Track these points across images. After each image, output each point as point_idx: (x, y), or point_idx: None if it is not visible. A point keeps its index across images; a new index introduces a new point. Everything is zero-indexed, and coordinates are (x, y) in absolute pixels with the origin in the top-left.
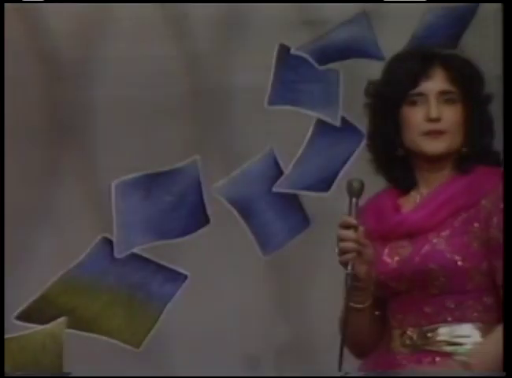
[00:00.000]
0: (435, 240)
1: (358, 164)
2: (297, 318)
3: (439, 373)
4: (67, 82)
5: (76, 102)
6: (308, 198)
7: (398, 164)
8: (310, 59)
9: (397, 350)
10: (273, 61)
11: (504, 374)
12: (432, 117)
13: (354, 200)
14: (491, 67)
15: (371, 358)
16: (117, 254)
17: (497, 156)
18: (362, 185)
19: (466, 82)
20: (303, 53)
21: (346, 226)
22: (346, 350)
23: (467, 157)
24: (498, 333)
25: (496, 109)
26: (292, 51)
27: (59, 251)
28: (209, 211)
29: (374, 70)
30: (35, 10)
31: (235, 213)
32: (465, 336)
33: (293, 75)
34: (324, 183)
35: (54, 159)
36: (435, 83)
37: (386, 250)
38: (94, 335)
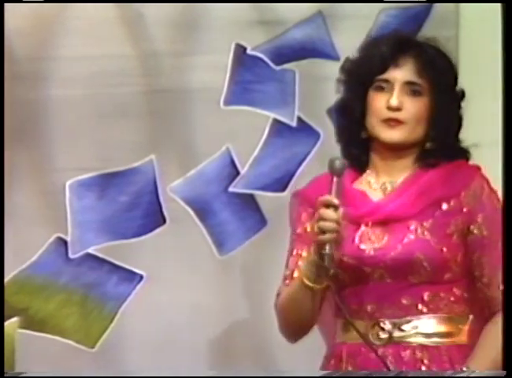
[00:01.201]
0: (418, 230)
1: (315, 164)
2: (253, 318)
3: (440, 374)
4: (21, 81)
5: (30, 101)
6: (264, 198)
7: (359, 145)
8: (266, 59)
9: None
10: (229, 60)
11: (504, 374)
12: (392, 106)
13: (336, 179)
14: None
15: (332, 350)
16: (72, 254)
17: (465, 153)
18: (344, 164)
19: (436, 75)
20: (259, 53)
21: (328, 205)
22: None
23: (431, 152)
24: (491, 333)
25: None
26: (248, 51)
27: (13, 250)
28: (165, 211)
29: (330, 70)
30: None
31: (192, 213)
32: (441, 329)
33: (249, 75)
34: (281, 183)
35: (9, 158)
36: (402, 72)
37: (357, 236)
38: (48, 335)
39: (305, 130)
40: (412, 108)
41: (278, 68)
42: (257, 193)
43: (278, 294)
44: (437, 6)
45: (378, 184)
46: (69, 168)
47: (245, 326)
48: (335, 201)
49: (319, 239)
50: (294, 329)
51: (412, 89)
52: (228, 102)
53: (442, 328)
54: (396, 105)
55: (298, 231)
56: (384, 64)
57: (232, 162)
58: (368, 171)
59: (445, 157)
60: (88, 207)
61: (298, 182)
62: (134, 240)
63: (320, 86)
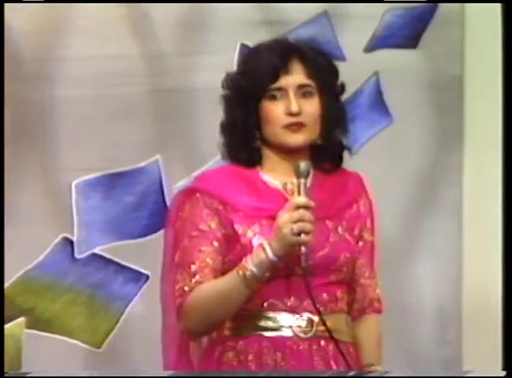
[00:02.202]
0: (338, 230)
1: None
2: None
3: (439, 373)
4: (27, 81)
5: (36, 102)
6: None
7: (253, 153)
8: None
9: (284, 334)
10: (235, 61)
11: (504, 374)
12: (293, 111)
13: (303, 181)
14: (451, 67)
15: (246, 342)
16: (78, 254)
17: (342, 149)
18: (310, 166)
19: (321, 74)
20: None
21: (306, 207)
22: None
23: (321, 148)
24: (375, 333)
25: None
26: None
27: (19, 251)
28: None
29: None
30: None
31: None
32: (347, 326)
33: None
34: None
35: (15, 159)
36: (294, 78)
37: None
38: (55, 336)
39: None
40: (309, 109)
41: None
42: None
43: (188, 290)
44: (442, 6)
45: (279, 183)
46: (75, 169)
47: None
48: (312, 203)
49: (299, 240)
50: (212, 325)
51: (304, 91)
52: None
53: (345, 326)
54: (297, 110)
55: (201, 227)
56: (276, 73)
57: None
58: (264, 170)
59: (334, 155)
60: (94, 207)
61: None
62: (140, 240)
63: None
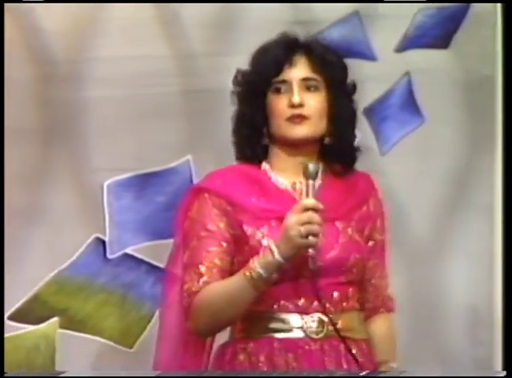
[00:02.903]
0: (348, 231)
1: None
2: None
3: (470, 374)
4: (60, 82)
5: (69, 103)
6: None
7: (260, 150)
8: None
9: (293, 336)
10: None
11: (504, 374)
12: (295, 103)
13: (311, 182)
14: (483, 67)
15: (256, 343)
16: (110, 254)
17: (356, 152)
18: (318, 167)
19: (328, 70)
20: None
21: (314, 209)
22: None
23: (330, 147)
24: (388, 331)
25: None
26: None
27: (52, 251)
28: None
29: (366, 70)
30: (26, 10)
31: None
32: (359, 324)
33: None
34: None
35: (47, 159)
36: (298, 71)
37: None
38: (87, 336)
39: None
40: (313, 103)
41: None
42: None
43: (196, 291)
44: (475, 6)
45: (289, 184)
46: (107, 169)
47: None
48: (320, 205)
49: (307, 243)
50: (221, 325)
51: (309, 85)
52: None
53: (358, 324)
54: (298, 102)
55: (210, 227)
56: (279, 66)
57: None
58: (271, 170)
59: (343, 154)
60: (126, 207)
61: None
62: (171, 240)
63: (357, 86)
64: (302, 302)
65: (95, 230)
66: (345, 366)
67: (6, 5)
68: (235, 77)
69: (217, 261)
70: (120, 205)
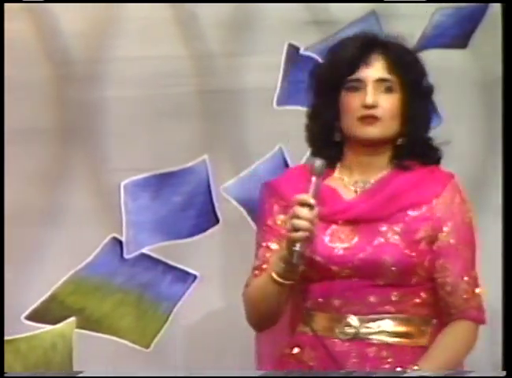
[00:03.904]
0: (388, 233)
1: None
2: None
3: (441, 374)
4: (76, 82)
5: (86, 103)
6: None
7: (332, 147)
8: (320, 59)
9: (330, 335)
10: (282, 61)
11: (504, 374)
12: (368, 104)
13: (315, 179)
14: (500, 67)
15: (293, 341)
16: (127, 254)
17: (436, 153)
18: (324, 164)
19: (405, 71)
20: (312, 53)
21: (304, 204)
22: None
23: (404, 148)
24: (446, 336)
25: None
26: (301, 51)
27: (69, 251)
28: (218, 211)
29: None
30: (43, 10)
31: (245, 213)
32: (405, 329)
33: (302, 76)
34: None
35: (64, 159)
36: (373, 71)
37: (328, 234)
38: (104, 335)
39: None
40: (386, 104)
41: None
42: None
43: (247, 285)
44: (493, 6)
45: (351, 183)
46: (124, 169)
47: None
48: (312, 200)
49: (291, 236)
50: (261, 320)
51: (384, 86)
52: (280, 102)
53: (406, 329)
54: (371, 103)
55: (269, 222)
56: (355, 64)
57: (285, 162)
58: (340, 169)
59: (418, 155)
60: (143, 207)
61: None
62: (188, 240)
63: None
64: (336, 301)
65: (112, 230)
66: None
67: (22, 5)
68: (312, 71)
69: (268, 255)
70: (136, 205)
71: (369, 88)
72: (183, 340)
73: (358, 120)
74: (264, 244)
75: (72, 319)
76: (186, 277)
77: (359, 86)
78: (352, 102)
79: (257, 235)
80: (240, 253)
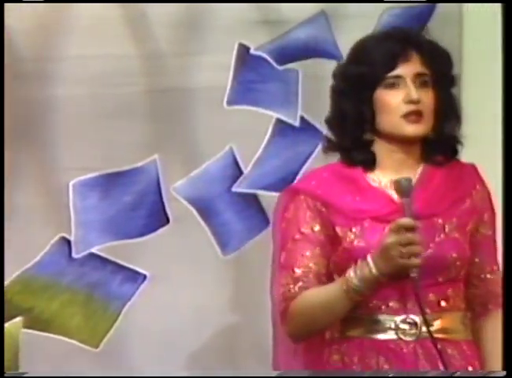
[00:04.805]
0: (446, 228)
1: (318, 164)
2: (256, 318)
3: (440, 374)
4: (23, 80)
5: (34, 101)
6: (268, 198)
7: (365, 146)
8: (270, 59)
9: (390, 337)
10: (232, 60)
11: (504, 374)
12: (414, 99)
13: (406, 200)
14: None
15: (353, 347)
16: (75, 254)
17: (458, 147)
18: (411, 182)
19: (437, 64)
20: (263, 53)
21: (411, 229)
22: None
23: (434, 143)
24: (498, 331)
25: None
26: (251, 51)
27: (17, 250)
28: (168, 211)
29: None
30: None
31: (195, 212)
32: (460, 325)
33: (252, 75)
34: (284, 183)
35: (11, 158)
36: (412, 66)
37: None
38: (53, 335)
39: (308, 130)
40: (426, 99)
41: (281, 67)
42: (261, 193)
43: (291, 297)
44: (440, 6)
45: (386, 182)
46: (72, 168)
47: (248, 325)
48: (417, 224)
49: (409, 264)
50: (316, 331)
51: (421, 80)
52: (231, 102)
53: (460, 325)
54: (417, 98)
55: (304, 230)
56: (394, 60)
57: (236, 162)
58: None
59: (446, 150)
60: (91, 207)
61: None
62: (137, 240)
63: (324, 85)
64: (394, 303)
65: (60, 229)
66: (441, 369)
67: None
68: (336, 71)
69: (311, 265)
70: (85, 205)
71: (410, 83)
72: (133, 340)
73: (401, 118)
74: (302, 253)
75: (19, 319)
76: (136, 277)
77: (398, 82)
78: (393, 99)
79: (287, 242)
80: (190, 253)
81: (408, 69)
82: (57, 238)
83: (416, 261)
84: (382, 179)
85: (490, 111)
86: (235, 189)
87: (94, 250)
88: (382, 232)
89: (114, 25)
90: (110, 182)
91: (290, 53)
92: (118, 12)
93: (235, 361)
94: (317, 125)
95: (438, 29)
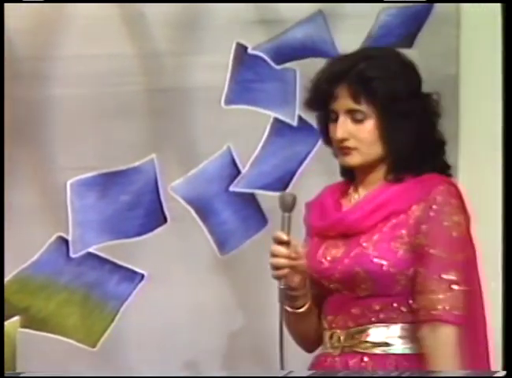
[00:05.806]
0: (364, 244)
1: (315, 163)
2: (253, 318)
3: (440, 374)
4: (22, 80)
5: (31, 101)
6: (265, 197)
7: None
8: (267, 58)
9: (327, 351)
10: (230, 60)
11: (504, 374)
12: (338, 138)
13: (286, 215)
14: (446, 66)
15: (315, 359)
16: (73, 253)
17: (435, 162)
18: (294, 199)
19: (377, 97)
20: (260, 53)
21: (279, 242)
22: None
23: (394, 163)
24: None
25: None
26: (249, 50)
27: (14, 250)
28: (166, 210)
29: None
30: None
31: (193, 212)
32: (394, 338)
33: (250, 75)
34: (282, 183)
35: (9, 158)
36: (341, 102)
37: (322, 249)
38: (50, 335)
39: (305, 129)
40: (359, 134)
41: (279, 67)
42: (258, 192)
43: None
44: (438, 6)
45: (355, 196)
46: (70, 168)
47: (246, 325)
48: (285, 237)
49: (272, 275)
50: (303, 344)
51: (355, 116)
52: (228, 102)
53: (390, 337)
54: (340, 137)
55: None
56: (324, 99)
57: (233, 161)
58: (352, 186)
59: (410, 168)
60: (89, 206)
61: (299, 181)
62: (135, 239)
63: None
64: (329, 317)
65: (58, 229)
66: None
67: None
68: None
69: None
70: (83, 204)
71: (340, 120)
72: (130, 339)
73: (338, 150)
74: None
75: (16, 318)
76: (133, 276)
77: (336, 117)
78: (332, 133)
79: None
80: (188, 253)
81: (338, 106)
82: (54, 237)
83: (278, 273)
84: (353, 194)
85: (488, 112)
86: (232, 188)
87: (91, 249)
88: (319, 246)
89: (112, 25)
90: (108, 181)
91: (287, 53)
92: (116, 12)
93: (233, 361)
94: (314, 125)
95: (435, 29)
